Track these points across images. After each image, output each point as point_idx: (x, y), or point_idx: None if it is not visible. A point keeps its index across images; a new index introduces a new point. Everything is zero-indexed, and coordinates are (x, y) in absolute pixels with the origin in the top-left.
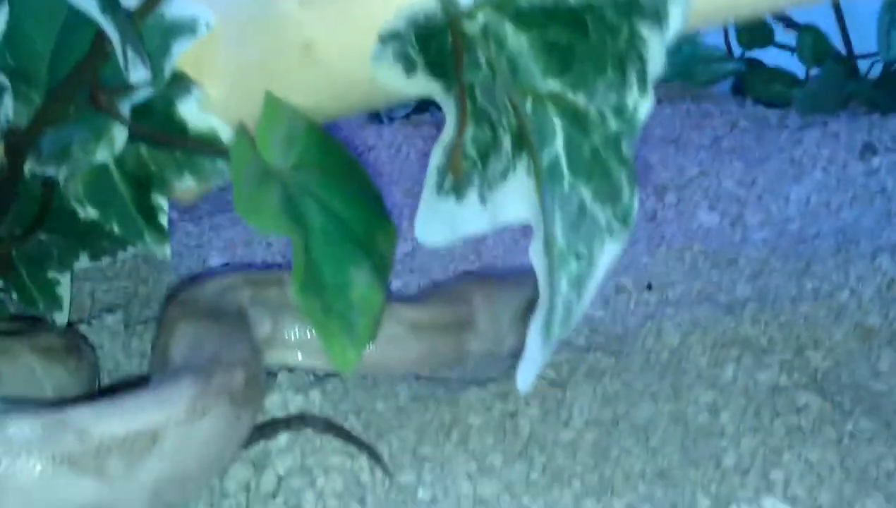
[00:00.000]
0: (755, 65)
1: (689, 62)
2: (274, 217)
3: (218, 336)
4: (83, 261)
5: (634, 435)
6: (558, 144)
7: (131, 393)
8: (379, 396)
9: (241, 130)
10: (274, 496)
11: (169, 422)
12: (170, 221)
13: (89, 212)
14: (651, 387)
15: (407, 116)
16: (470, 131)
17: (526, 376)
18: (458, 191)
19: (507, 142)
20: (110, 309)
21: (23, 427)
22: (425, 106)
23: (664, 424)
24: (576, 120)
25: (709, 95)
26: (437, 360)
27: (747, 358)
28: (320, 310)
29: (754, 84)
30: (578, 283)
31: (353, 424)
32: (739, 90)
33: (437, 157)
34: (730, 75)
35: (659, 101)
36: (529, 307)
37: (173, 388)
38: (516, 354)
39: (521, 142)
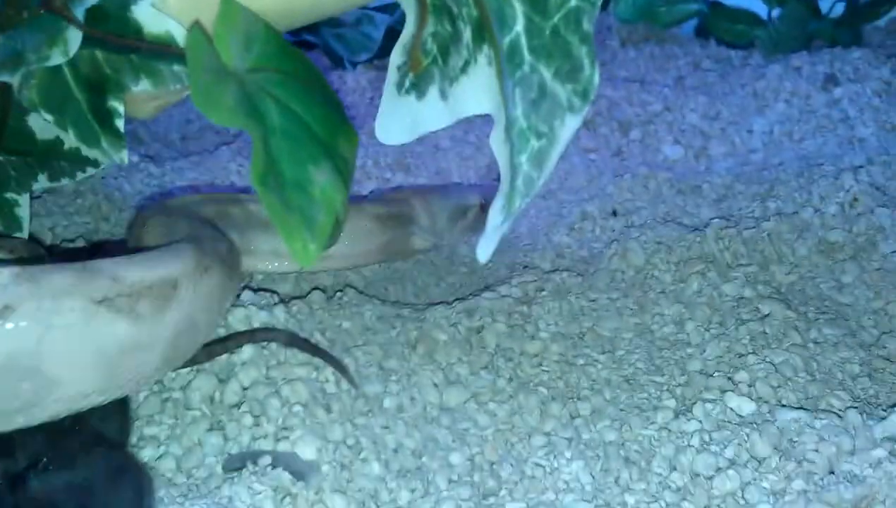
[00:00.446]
0: (718, 6)
1: (652, 4)
2: (230, 111)
3: (189, 227)
4: (42, 182)
5: (600, 346)
6: (518, 28)
7: (143, 252)
8: (344, 316)
9: (197, 29)
10: (238, 406)
11: (184, 274)
12: (131, 163)
13: (45, 118)
14: (616, 303)
15: (370, 61)
16: (430, 27)
17: (485, 248)
18: (419, 88)
19: (467, 34)
20: (71, 242)
21: (64, 274)
22: (388, 50)
23: (630, 336)
24: (535, 1)
25: (672, 37)
26: (393, 249)
27: (712, 273)
28: (280, 205)
29: (717, 25)
30: (539, 159)
31: (318, 340)
32: (702, 31)
33: (396, 56)
34: (693, 16)
35: (623, 44)
36: (459, 212)
37: (180, 249)
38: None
39: (482, 33)
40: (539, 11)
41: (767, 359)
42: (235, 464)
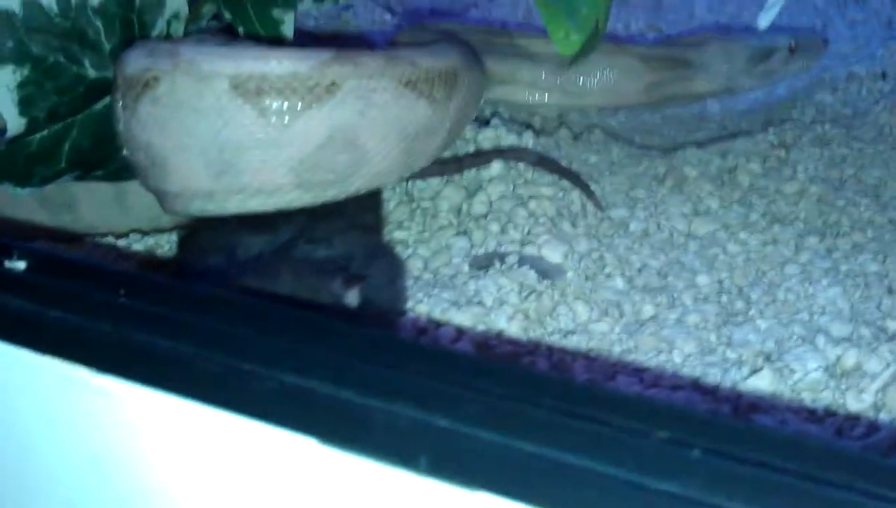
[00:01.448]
0: None
1: None
2: None
3: (449, 39)
4: (307, 4)
5: (863, 191)
6: None
7: (419, 48)
8: (591, 151)
9: None
10: (485, 216)
11: (460, 66)
12: None
13: None
14: (883, 154)
15: None
16: None
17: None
18: None
19: None
20: None
21: (376, 58)
22: None
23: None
24: None
25: None
26: (665, 92)
27: None
28: None
29: None
30: None
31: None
32: None
33: None
34: None
35: None
36: (762, 54)
37: (450, 46)
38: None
39: None
40: None
41: None
42: (482, 263)
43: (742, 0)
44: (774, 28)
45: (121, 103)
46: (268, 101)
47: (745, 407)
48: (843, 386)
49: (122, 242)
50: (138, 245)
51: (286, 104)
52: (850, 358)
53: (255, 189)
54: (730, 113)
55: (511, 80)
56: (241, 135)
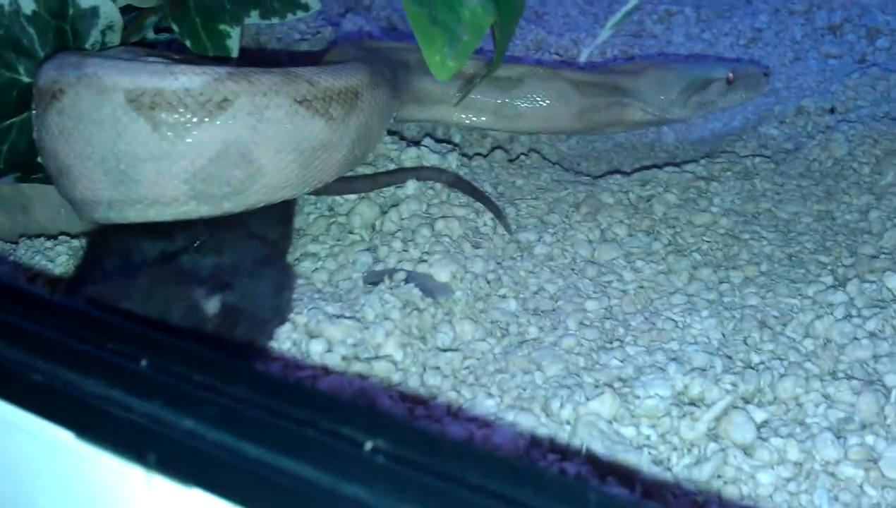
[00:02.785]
0: None
1: None
2: None
3: (366, 57)
4: (254, 18)
5: (773, 226)
6: None
7: (329, 65)
8: (520, 175)
9: None
10: (394, 234)
11: (363, 86)
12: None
13: None
14: (804, 190)
15: None
16: None
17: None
18: None
19: None
20: None
21: (272, 76)
22: None
23: (808, 221)
24: None
25: None
26: (597, 119)
27: None
28: (426, 19)
29: None
30: None
31: (488, 192)
32: None
33: None
34: None
35: None
36: (698, 85)
37: (358, 66)
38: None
39: None
40: None
41: None
42: (374, 279)
43: (719, 28)
44: (718, 58)
45: (34, 113)
46: (162, 115)
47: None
48: (681, 414)
49: (48, 243)
50: (61, 246)
51: (178, 118)
52: (696, 388)
53: (152, 199)
54: (683, 142)
55: (445, 100)
56: (136, 147)
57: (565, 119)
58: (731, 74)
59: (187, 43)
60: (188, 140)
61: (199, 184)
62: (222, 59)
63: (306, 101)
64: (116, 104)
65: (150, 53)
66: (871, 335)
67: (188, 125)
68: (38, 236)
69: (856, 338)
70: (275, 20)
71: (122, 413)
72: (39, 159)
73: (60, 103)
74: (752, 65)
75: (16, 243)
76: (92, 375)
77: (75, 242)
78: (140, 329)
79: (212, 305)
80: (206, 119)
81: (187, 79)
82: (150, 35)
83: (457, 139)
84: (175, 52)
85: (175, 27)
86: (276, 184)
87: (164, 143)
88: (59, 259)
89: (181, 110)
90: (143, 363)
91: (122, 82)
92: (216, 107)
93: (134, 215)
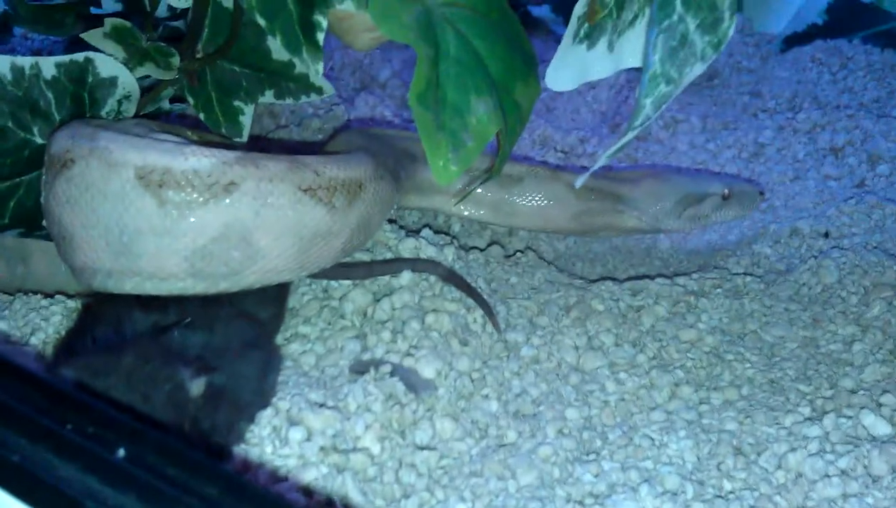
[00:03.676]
0: None
1: None
2: (404, 27)
3: (372, 147)
4: (268, 97)
5: (758, 349)
6: None
7: (336, 155)
8: (515, 272)
9: None
10: (384, 323)
11: (367, 177)
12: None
13: (258, 21)
14: (791, 314)
15: None
16: None
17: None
18: (591, 38)
19: None
20: None
21: (279, 162)
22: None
23: (793, 346)
24: None
25: None
26: (592, 223)
27: None
28: (433, 123)
29: None
30: (661, 102)
31: (481, 288)
32: None
33: (579, 6)
34: None
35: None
36: (693, 198)
37: (362, 157)
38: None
39: None
40: None
41: None
42: (360, 368)
43: (723, 140)
44: (717, 173)
45: (44, 178)
46: (168, 193)
47: None
48: None
49: (44, 302)
50: (56, 306)
51: (185, 197)
52: None
53: (151, 273)
54: (678, 251)
55: (444, 190)
56: (140, 222)
57: (561, 220)
58: (726, 191)
59: (201, 116)
60: (192, 219)
61: (198, 263)
62: (230, 145)
63: (311, 190)
64: (125, 179)
65: (161, 127)
66: (843, 473)
67: (193, 205)
68: (35, 293)
69: (827, 476)
70: (289, 101)
71: (94, 505)
72: (44, 222)
73: (70, 172)
74: (749, 183)
75: (13, 296)
76: (70, 461)
77: (71, 303)
78: (120, 416)
79: (196, 386)
80: (212, 200)
81: (196, 160)
82: (165, 105)
83: (456, 229)
84: (188, 126)
85: (190, 99)
86: (274, 268)
87: (168, 220)
88: (54, 318)
89: (188, 190)
90: (121, 452)
91: (134, 159)
92: (222, 190)
93: (131, 287)
